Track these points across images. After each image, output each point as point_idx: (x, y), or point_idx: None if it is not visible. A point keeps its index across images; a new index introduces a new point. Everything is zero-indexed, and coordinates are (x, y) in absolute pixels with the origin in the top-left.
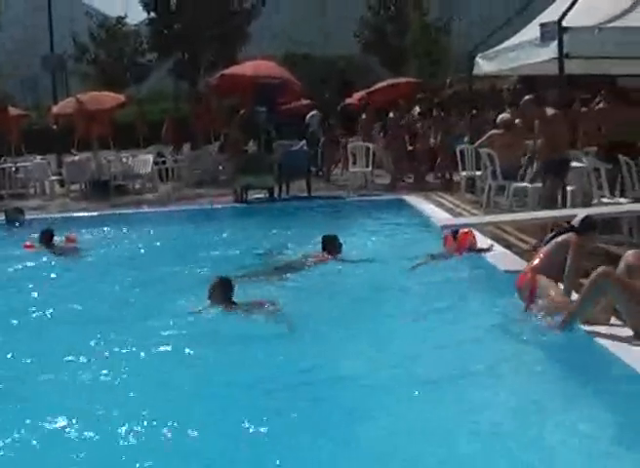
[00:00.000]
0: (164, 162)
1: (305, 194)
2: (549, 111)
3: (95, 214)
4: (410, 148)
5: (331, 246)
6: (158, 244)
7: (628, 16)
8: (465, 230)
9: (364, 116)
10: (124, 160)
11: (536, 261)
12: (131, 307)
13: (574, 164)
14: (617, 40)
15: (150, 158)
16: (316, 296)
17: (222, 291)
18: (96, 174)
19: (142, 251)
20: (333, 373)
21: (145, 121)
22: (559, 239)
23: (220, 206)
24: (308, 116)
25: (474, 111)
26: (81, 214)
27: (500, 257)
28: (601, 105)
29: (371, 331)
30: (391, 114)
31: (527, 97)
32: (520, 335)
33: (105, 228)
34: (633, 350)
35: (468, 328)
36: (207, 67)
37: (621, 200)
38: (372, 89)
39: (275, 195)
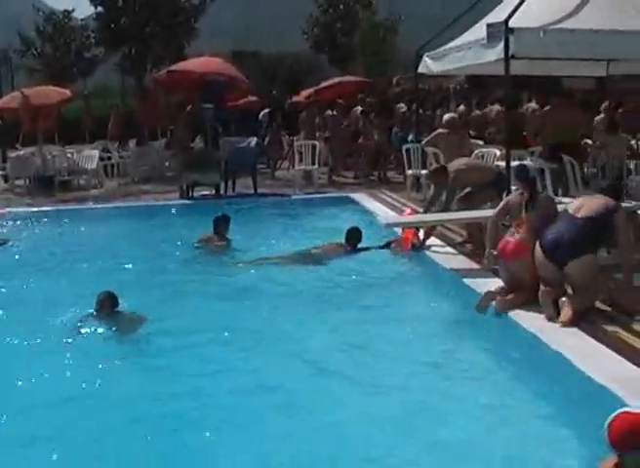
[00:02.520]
0: (109, 158)
1: (252, 191)
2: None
3: (35, 209)
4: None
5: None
6: (92, 241)
7: (574, 17)
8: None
9: (304, 114)
10: (69, 155)
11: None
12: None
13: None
14: (562, 42)
15: (96, 153)
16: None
17: (109, 305)
18: (40, 169)
19: (65, 248)
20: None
21: (92, 116)
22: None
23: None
24: (262, 114)
25: (421, 110)
26: (23, 209)
27: (445, 255)
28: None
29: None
30: (329, 112)
31: (434, 168)
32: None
33: (44, 224)
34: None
35: (397, 321)
36: (154, 63)
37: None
38: (319, 86)
39: (221, 192)
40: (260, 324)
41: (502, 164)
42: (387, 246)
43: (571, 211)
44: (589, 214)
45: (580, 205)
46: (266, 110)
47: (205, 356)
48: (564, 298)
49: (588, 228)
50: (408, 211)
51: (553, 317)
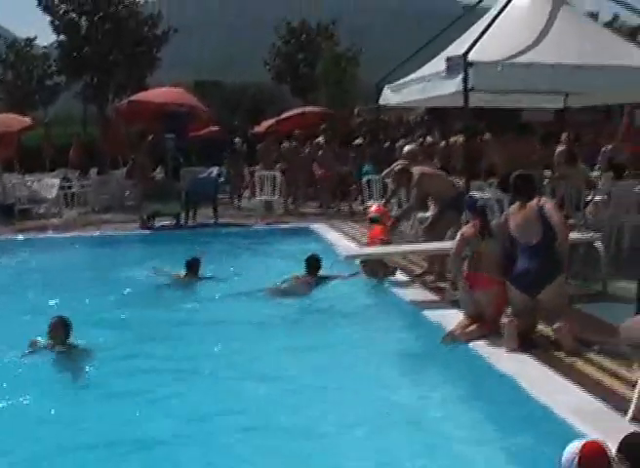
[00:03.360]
0: (70, 186)
1: (212, 221)
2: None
3: None
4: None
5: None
6: (48, 271)
7: (531, 52)
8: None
9: (263, 145)
10: (29, 184)
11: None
12: None
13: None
14: (520, 75)
15: (56, 182)
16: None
17: (62, 330)
18: (0, 197)
19: (20, 277)
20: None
21: (53, 144)
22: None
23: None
24: (236, 141)
25: (383, 141)
26: None
27: (404, 286)
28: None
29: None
30: (285, 144)
31: (398, 168)
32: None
33: (1, 253)
34: None
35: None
36: (116, 92)
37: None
38: (281, 117)
39: (182, 222)
40: (213, 354)
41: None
42: (354, 275)
43: (519, 236)
44: (537, 233)
45: (522, 227)
46: (236, 140)
47: (157, 383)
48: (557, 325)
49: (547, 248)
50: (375, 207)
51: (515, 349)
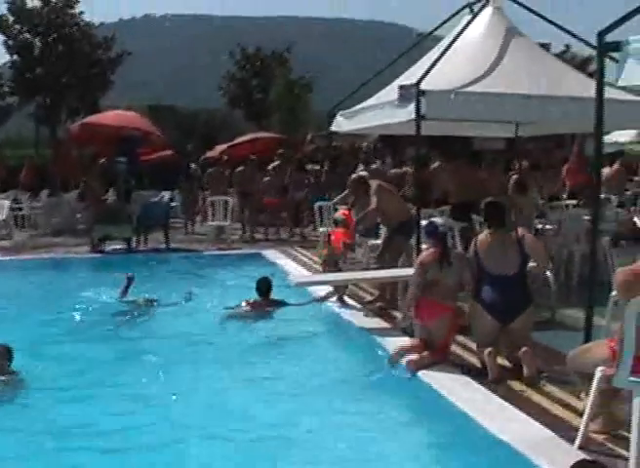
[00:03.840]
0: (20, 208)
1: (164, 246)
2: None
3: None
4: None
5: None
6: None
7: (483, 81)
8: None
9: (212, 171)
10: None
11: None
12: None
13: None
14: (472, 104)
15: (6, 203)
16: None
17: (3, 358)
18: None
19: None
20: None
21: (4, 165)
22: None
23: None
24: (192, 166)
25: (335, 168)
26: None
27: (355, 313)
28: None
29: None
30: (238, 169)
31: (354, 177)
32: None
33: None
34: None
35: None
36: (69, 114)
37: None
38: (234, 142)
39: (133, 246)
40: (159, 382)
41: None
42: (310, 302)
43: (491, 269)
44: (515, 266)
45: (495, 257)
46: (193, 165)
47: (100, 410)
48: (524, 349)
49: (523, 277)
50: (341, 210)
51: (497, 378)
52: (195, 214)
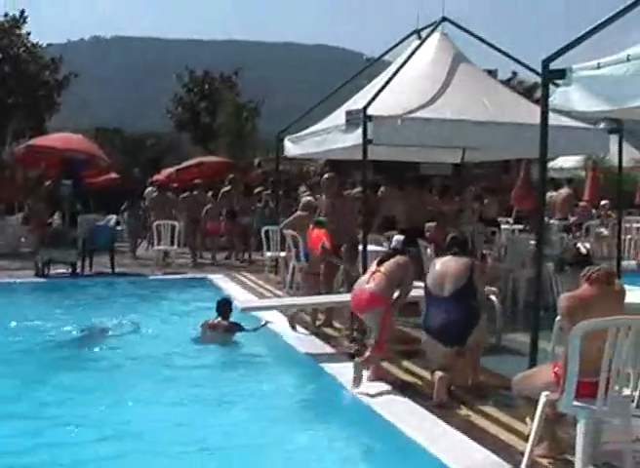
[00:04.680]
0: None
1: (109, 270)
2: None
3: None
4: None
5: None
6: None
7: (430, 107)
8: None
9: (156, 196)
10: None
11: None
12: None
13: (372, 248)
14: (419, 130)
15: None
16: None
17: None
18: None
19: None
20: None
21: None
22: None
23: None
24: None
25: (281, 192)
26: None
27: (301, 339)
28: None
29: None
30: (185, 194)
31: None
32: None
33: None
34: None
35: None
36: (14, 135)
37: (419, 284)
38: (181, 166)
39: (78, 270)
40: (104, 405)
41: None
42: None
43: (435, 290)
44: (456, 288)
45: (441, 280)
46: (149, 189)
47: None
48: (439, 374)
49: (465, 300)
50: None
51: (444, 402)
52: (142, 237)
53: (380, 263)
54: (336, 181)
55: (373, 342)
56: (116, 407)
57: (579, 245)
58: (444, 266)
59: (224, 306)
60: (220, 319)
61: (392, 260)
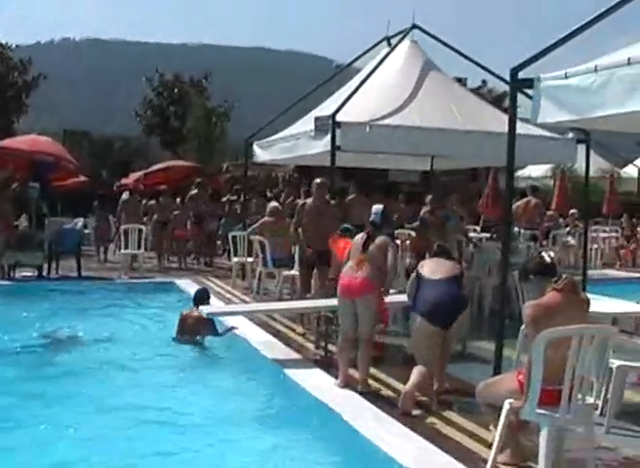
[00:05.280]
0: None
1: (76, 274)
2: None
3: None
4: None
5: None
6: None
7: (399, 114)
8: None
9: (126, 199)
10: None
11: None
12: None
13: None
14: (387, 137)
15: None
16: None
17: None
18: None
19: None
20: None
21: None
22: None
23: None
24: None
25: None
26: None
27: (267, 344)
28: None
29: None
30: (153, 200)
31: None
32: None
33: None
34: None
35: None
36: None
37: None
38: (149, 170)
39: (44, 274)
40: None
41: None
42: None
43: (429, 275)
44: (451, 274)
45: (434, 269)
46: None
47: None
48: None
49: (457, 286)
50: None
51: (409, 412)
52: (109, 241)
53: (364, 249)
54: (326, 186)
55: (362, 338)
56: (76, 410)
57: (543, 254)
58: (436, 263)
59: (202, 297)
60: (195, 309)
61: (372, 246)
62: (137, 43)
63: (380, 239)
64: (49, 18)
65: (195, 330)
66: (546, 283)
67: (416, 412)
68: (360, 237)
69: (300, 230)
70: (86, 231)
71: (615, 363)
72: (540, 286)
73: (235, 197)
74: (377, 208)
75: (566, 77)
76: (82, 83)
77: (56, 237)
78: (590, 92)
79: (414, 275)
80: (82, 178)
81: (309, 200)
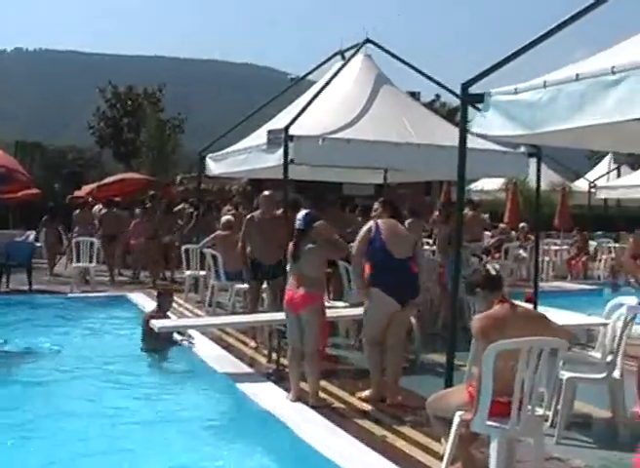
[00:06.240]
0: None
1: (26, 287)
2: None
3: None
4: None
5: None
6: None
7: (352, 128)
8: None
9: (78, 212)
10: None
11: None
12: None
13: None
14: (340, 150)
15: None
16: None
17: None
18: None
19: None
20: None
21: None
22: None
23: None
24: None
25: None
26: None
27: (219, 358)
28: None
29: None
30: (103, 212)
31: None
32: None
33: None
34: None
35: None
36: None
37: (338, 304)
38: (102, 182)
39: None
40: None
41: None
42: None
43: (392, 250)
44: (411, 254)
45: (397, 244)
46: (99, 208)
47: None
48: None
49: (415, 264)
50: None
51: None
52: (61, 254)
53: (295, 259)
54: (274, 199)
55: (308, 351)
56: (27, 428)
57: (488, 266)
58: (400, 238)
59: (164, 298)
60: (157, 310)
61: (308, 247)
62: (90, 54)
63: (310, 247)
64: (1, 27)
65: (158, 344)
66: (493, 295)
67: (368, 426)
68: (289, 249)
69: (245, 243)
70: (37, 244)
71: (565, 374)
72: (486, 298)
73: (191, 210)
74: (300, 214)
75: (516, 92)
76: (34, 94)
77: (6, 250)
78: (538, 107)
79: (368, 234)
80: (34, 191)
81: (257, 213)
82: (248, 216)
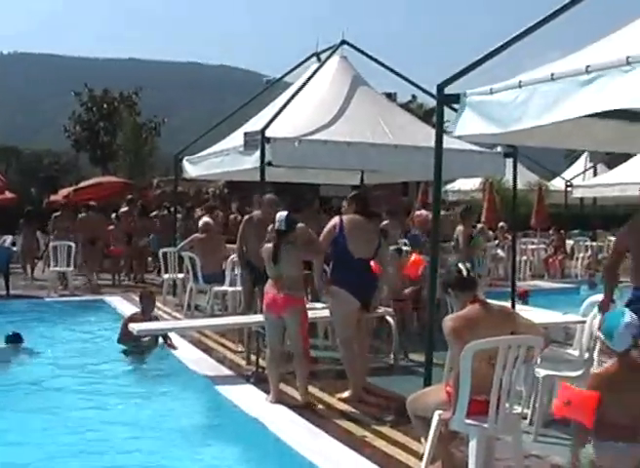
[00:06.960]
0: None
1: (4, 292)
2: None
3: None
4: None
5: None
6: None
7: (328, 129)
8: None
9: (57, 215)
10: None
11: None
12: None
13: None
14: (317, 152)
15: None
16: None
17: None
18: None
19: None
20: None
21: None
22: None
23: None
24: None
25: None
26: None
27: (198, 361)
28: None
29: None
30: (80, 216)
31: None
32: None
33: None
34: None
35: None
36: None
37: (317, 305)
38: (79, 186)
39: None
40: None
41: None
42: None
43: (354, 251)
44: (370, 255)
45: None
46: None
47: None
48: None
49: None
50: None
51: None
52: (38, 258)
53: (275, 261)
54: (278, 205)
55: (296, 352)
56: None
57: (460, 266)
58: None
59: (147, 300)
60: (140, 312)
61: (287, 248)
62: (65, 57)
63: (295, 232)
64: None
65: (140, 348)
66: (465, 295)
67: (347, 426)
68: (268, 250)
69: (242, 243)
70: (14, 249)
71: (541, 372)
72: (458, 298)
73: (165, 212)
74: (280, 215)
75: (491, 92)
76: (8, 97)
77: None
78: (513, 106)
79: (333, 230)
80: (9, 195)
81: (257, 213)
82: (247, 217)
